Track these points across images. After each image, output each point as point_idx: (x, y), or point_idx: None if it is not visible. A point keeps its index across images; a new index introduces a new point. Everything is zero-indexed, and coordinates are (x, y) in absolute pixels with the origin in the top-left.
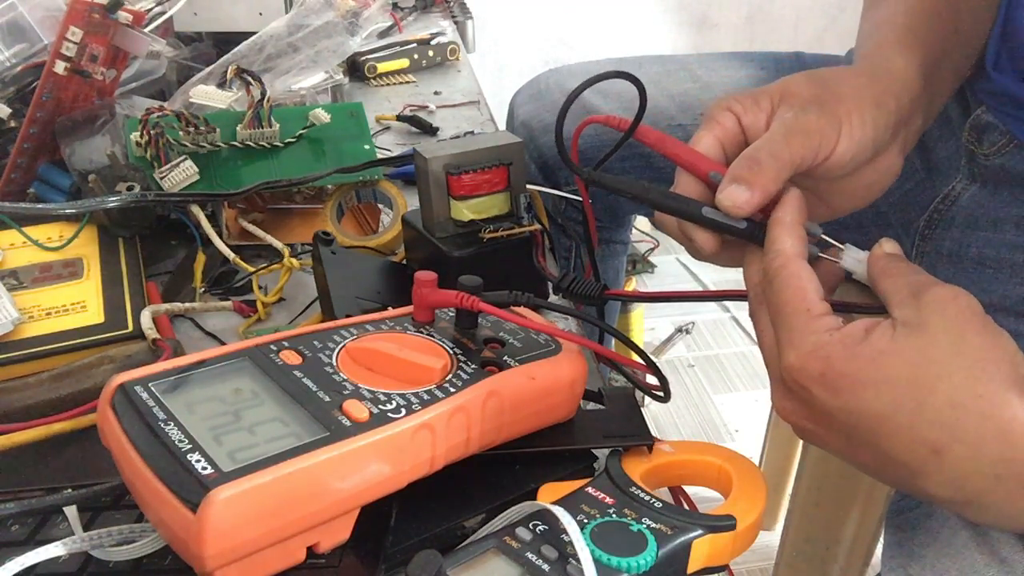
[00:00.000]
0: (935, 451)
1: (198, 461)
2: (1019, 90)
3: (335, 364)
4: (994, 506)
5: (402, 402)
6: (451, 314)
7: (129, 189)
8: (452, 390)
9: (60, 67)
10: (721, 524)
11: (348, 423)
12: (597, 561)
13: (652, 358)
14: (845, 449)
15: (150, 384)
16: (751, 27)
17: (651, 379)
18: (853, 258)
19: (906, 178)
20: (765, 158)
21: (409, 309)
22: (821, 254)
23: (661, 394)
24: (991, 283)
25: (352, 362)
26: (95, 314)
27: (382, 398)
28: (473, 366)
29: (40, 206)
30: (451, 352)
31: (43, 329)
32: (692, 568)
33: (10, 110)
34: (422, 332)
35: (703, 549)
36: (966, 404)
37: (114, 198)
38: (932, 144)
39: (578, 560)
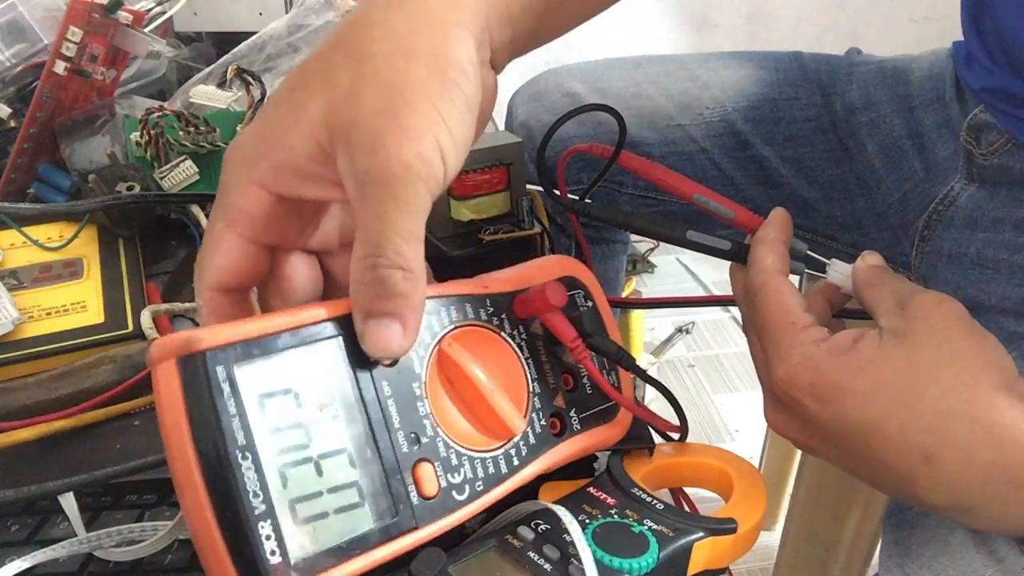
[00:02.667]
0: (926, 457)
1: (268, 538)
2: (1011, 85)
3: (424, 379)
4: (987, 510)
5: (470, 474)
6: None
7: (129, 189)
8: (516, 462)
9: (60, 67)
10: (722, 527)
11: (416, 500)
12: (598, 562)
13: (679, 403)
14: (838, 458)
15: (233, 361)
16: (751, 27)
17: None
18: (838, 272)
19: (905, 179)
20: (394, 277)
21: (515, 282)
22: (808, 270)
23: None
24: (990, 283)
25: (439, 373)
26: (95, 314)
27: (454, 461)
28: (543, 421)
29: (40, 206)
30: (529, 387)
31: (43, 329)
32: (692, 570)
33: (10, 110)
34: (514, 336)
35: (704, 552)
36: (955, 410)
37: (114, 198)
38: (931, 145)
39: (580, 560)
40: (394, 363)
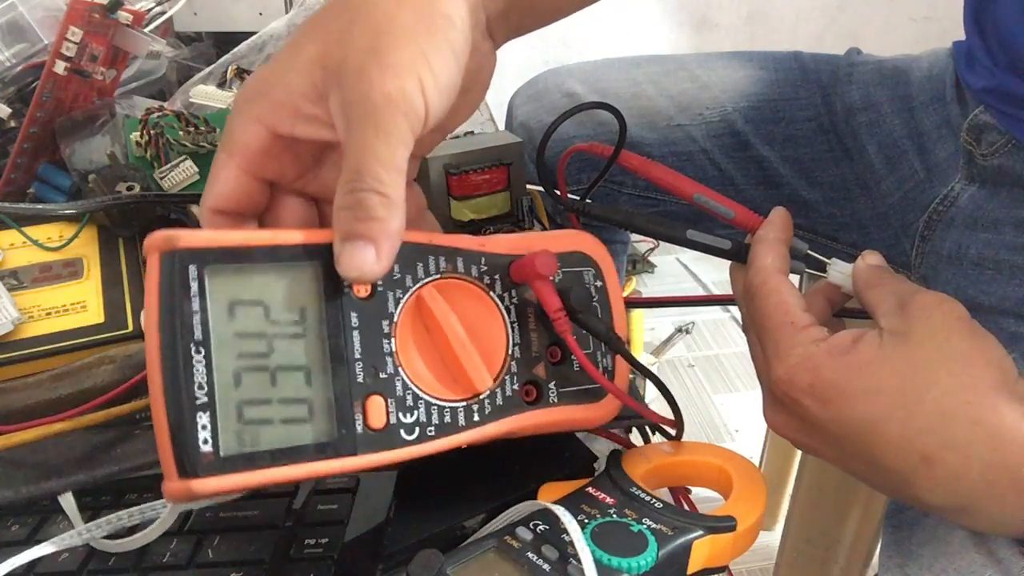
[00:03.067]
0: (925, 458)
1: (204, 428)
2: (1011, 85)
3: (396, 319)
4: (987, 512)
5: (423, 418)
6: None
7: (129, 189)
8: (477, 418)
9: (60, 67)
10: (721, 525)
11: (360, 429)
12: (597, 561)
13: (677, 403)
14: (838, 459)
15: (206, 268)
16: (751, 27)
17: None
18: (839, 271)
19: (905, 179)
20: (372, 199)
21: (515, 246)
22: (808, 269)
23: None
24: (991, 284)
25: (415, 318)
26: (95, 314)
27: (409, 402)
28: (515, 386)
29: (40, 206)
30: (509, 350)
31: (43, 329)
32: (692, 569)
33: (10, 110)
34: (503, 298)
35: (703, 550)
36: (955, 411)
37: (114, 198)
38: (931, 146)
39: (579, 560)
40: (371, 296)
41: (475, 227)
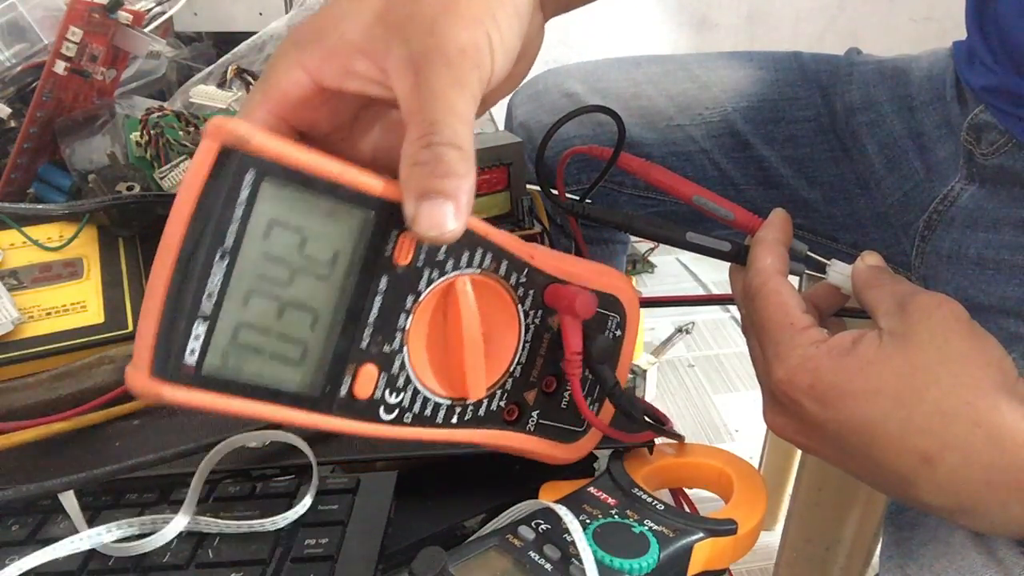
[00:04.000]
0: (926, 459)
1: (196, 338)
2: (1012, 84)
3: (422, 298)
4: (987, 512)
5: (406, 404)
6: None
7: (129, 189)
8: (455, 420)
9: (60, 67)
10: (722, 528)
11: (344, 393)
12: (599, 562)
13: (662, 424)
14: (838, 459)
15: (264, 180)
16: (751, 27)
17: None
18: (838, 272)
19: (905, 179)
20: (451, 154)
21: (560, 268)
22: (808, 271)
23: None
24: (990, 284)
25: (439, 303)
26: (95, 314)
27: (400, 383)
28: (501, 402)
29: (40, 206)
30: (511, 367)
31: (43, 329)
32: (692, 571)
33: (10, 110)
34: (528, 315)
35: (704, 552)
36: (955, 411)
37: (114, 198)
38: (931, 145)
39: (580, 561)
40: (408, 267)
41: None
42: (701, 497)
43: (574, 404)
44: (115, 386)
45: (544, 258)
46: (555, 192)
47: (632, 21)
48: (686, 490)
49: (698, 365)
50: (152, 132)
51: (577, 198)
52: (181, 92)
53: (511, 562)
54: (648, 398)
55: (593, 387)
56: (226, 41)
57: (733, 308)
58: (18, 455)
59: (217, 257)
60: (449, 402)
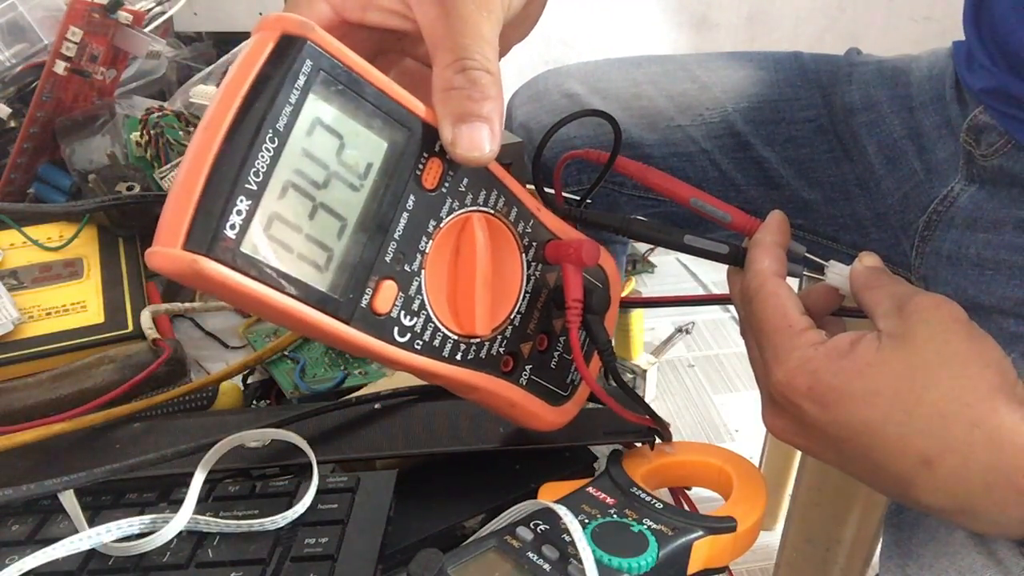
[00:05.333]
0: (925, 461)
1: (239, 213)
2: (1010, 86)
3: (442, 225)
4: (986, 514)
5: (419, 331)
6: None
7: (129, 189)
8: (459, 358)
9: (60, 67)
10: (722, 526)
11: (364, 304)
12: (598, 561)
13: (650, 407)
14: (837, 461)
15: (323, 69)
16: (751, 27)
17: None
18: (836, 274)
19: (905, 179)
20: (484, 78)
21: (557, 227)
22: (806, 272)
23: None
24: (990, 284)
25: (455, 237)
26: (95, 314)
27: (415, 306)
28: (501, 348)
29: (40, 206)
30: (512, 315)
31: (43, 329)
32: (692, 569)
33: (10, 110)
34: (531, 266)
35: (703, 550)
36: (954, 413)
37: (114, 198)
38: (931, 145)
39: (579, 560)
40: (434, 190)
41: None
42: (702, 497)
43: (562, 367)
44: (115, 386)
45: (547, 215)
46: (552, 195)
47: (632, 21)
48: (686, 489)
49: (698, 365)
50: (152, 132)
51: (576, 199)
52: (181, 92)
53: (509, 563)
54: (648, 398)
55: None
56: (226, 41)
57: (733, 308)
58: (18, 455)
59: (269, 135)
60: (456, 337)
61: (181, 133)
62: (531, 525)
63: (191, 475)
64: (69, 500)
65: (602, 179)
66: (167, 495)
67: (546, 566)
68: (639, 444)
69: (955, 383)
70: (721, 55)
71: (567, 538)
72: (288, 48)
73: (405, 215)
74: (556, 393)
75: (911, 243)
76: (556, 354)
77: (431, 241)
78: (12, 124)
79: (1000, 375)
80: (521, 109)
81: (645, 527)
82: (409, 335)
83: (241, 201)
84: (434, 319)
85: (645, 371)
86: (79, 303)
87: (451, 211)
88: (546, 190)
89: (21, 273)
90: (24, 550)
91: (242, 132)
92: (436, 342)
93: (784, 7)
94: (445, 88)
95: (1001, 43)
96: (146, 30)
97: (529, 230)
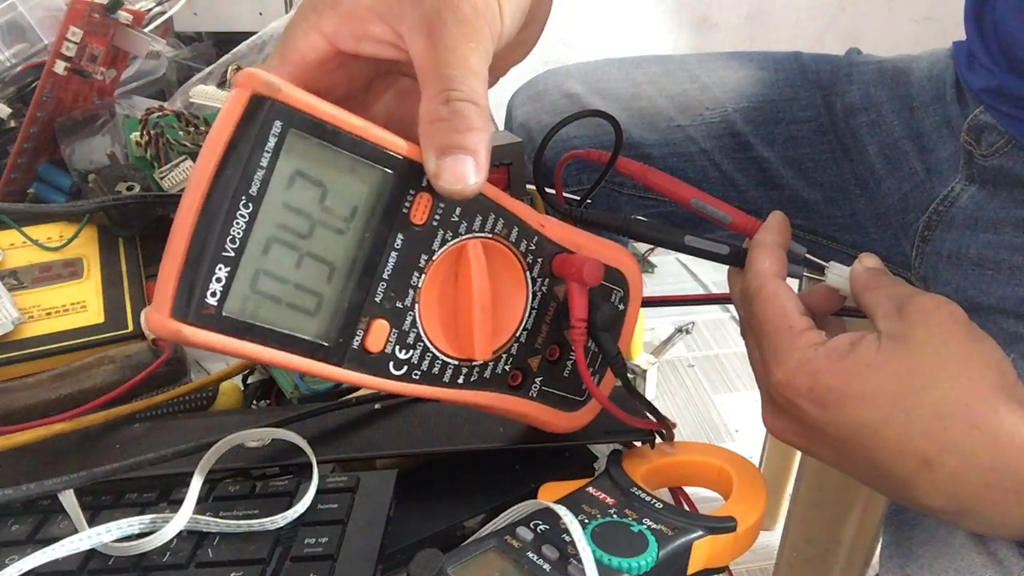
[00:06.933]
0: (925, 462)
1: (219, 280)
2: (1011, 86)
3: (435, 258)
4: (986, 514)
5: (415, 360)
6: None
7: (129, 189)
8: (461, 381)
9: (60, 67)
10: (722, 526)
11: (356, 345)
12: (598, 561)
13: (658, 411)
14: (837, 461)
15: (291, 130)
16: (751, 27)
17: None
18: (836, 274)
19: (905, 179)
20: (469, 109)
21: (568, 239)
22: (807, 273)
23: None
24: (990, 284)
25: (450, 265)
26: (95, 314)
27: (410, 339)
28: (506, 366)
29: (40, 206)
30: (517, 332)
31: (43, 329)
32: (692, 569)
33: (10, 110)
34: (535, 282)
35: (703, 550)
36: (954, 414)
37: (114, 198)
38: (931, 145)
39: (579, 560)
40: (422, 226)
41: None
42: (703, 497)
43: (576, 373)
44: (115, 386)
45: (554, 228)
46: (553, 196)
47: (632, 21)
48: (686, 489)
49: (698, 365)
50: (152, 132)
51: (577, 199)
52: (181, 92)
53: (509, 563)
54: (648, 398)
55: (595, 359)
56: (226, 41)
57: (733, 308)
58: (18, 455)
59: (242, 202)
60: (456, 362)
61: (181, 133)
62: (531, 525)
63: (191, 475)
64: (69, 500)
65: (603, 179)
66: (167, 495)
67: (546, 566)
68: (639, 444)
69: (955, 384)
70: (721, 55)
71: (567, 538)
72: (258, 110)
73: (394, 254)
74: (571, 400)
75: (911, 243)
76: (569, 363)
77: (424, 275)
78: (12, 124)
79: (1000, 376)
80: (521, 109)
81: (645, 527)
82: (406, 367)
83: (220, 268)
84: (432, 349)
85: (645, 371)
86: (79, 303)
87: (444, 242)
88: (547, 190)
89: (21, 273)
90: (24, 550)
91: (216, 201)
92: (435, 370)
93: (784, 7)
94: (430, 120)
95: (1002, 43)
96: (146, 30)
97: (533, 247)
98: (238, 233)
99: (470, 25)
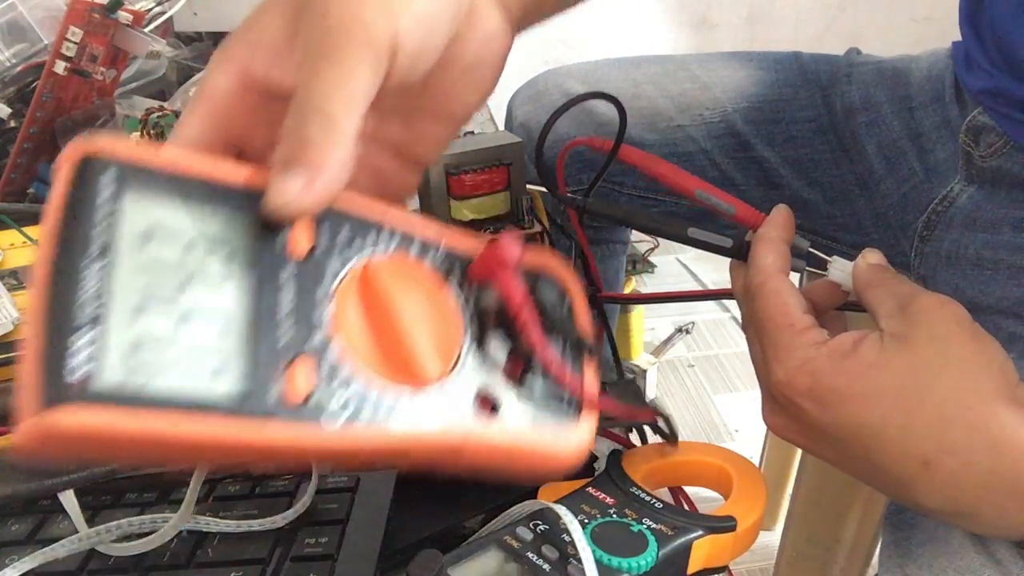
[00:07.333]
0: (925, 463)
1: (79, 351)
2: (1009, 87)
3: (335, 287)
4: (985, 516)
5: (356, 401)
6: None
7: None
8: (417, 415)
9: (60, 67)
10: (722, 525)
11: (275, 398)
12: (597, 561)
13: (661, 409)
14: (837, 460)
15: (126, 185)
16: (751, 27)
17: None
18: (839, 270)
19: (904, 179)
20: (310, 124)
21: (476, 247)
22: (809, 268)
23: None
24: (989, 284)
25: (360, 294)
26: None
27: (340, 377)
28: (467, 392)
29: (40, 206)
30: (464, 352)
31: None
32: (692, 569)
33: (10, 110)
34: (462, 293)
35: (703, 550)
36: (955, 416)
37: None
38: (930, 145)
39: (579, 560)
40: (306, 259)
41: (475, 227)
42: (703, 497)
43: (551, 383)
44: None
45: (454, 237)
46: (556, 189)
47: (632, 21)
48: (687, 488)
49: (698, 365)
50: (152, 132)
51: (580, 197)
52: (181, 92)
53: (509, 563)
54: (649, 397)
55: (569, 358)
56: None
57: (733, 308)
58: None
59: (85, 264)
60: (407, 392)
61: None
62: (531, 525)
63: (191, 475)
64: (69, 500)
65: (610, 163)
66: (167, 495)
67: (546, 566)
68: (640, 444)
69: (956, 385)
70: (721, 55)
71: (567, 538)
72: (87, 172)
73: (284, 293)
74: (558, 409)
75: (910, 243)
76: (540, 375)
77: (328, 307)
78: (12, 124)
79: (1002, 377)
80: (521, 109)
81: (645, 527)
82: (347, 409)
83: (82, 334)
84: (370, 383)
85: (645, 371)
86: None
87: (337, 271)
88: (549, 187)
89: (21, 273)
90: (24, 550)
91: (61, 269)
92: (384, 406)
93: (784, 7)
94: (279, 138)
95: (1000, 44)
96: (146, 30)
97: (441, 259)
98: (88, 298)
99: (333, 39)
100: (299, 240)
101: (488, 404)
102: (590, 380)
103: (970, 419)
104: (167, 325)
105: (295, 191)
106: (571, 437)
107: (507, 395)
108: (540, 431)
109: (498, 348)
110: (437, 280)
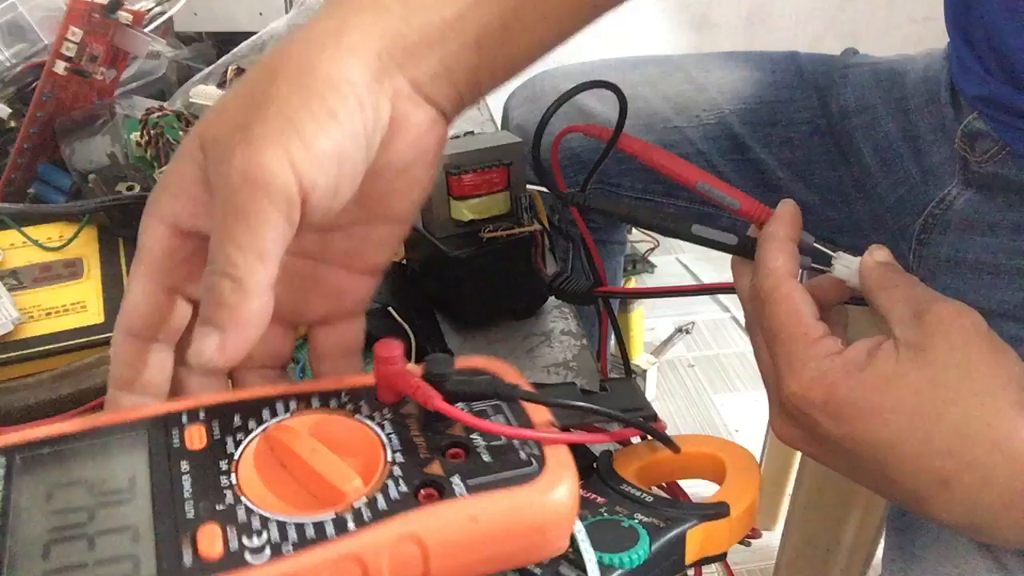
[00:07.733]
0: (943, 481)
1: None
2: (1004, 94)
3: (237, 457)
4: (1002, 531)
5: (276, 538)
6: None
7: (129, 189)
8: (352, 526)
9: (60, 67)
10: (715, 512)
11: (188, 562)
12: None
13: (656, 413)
14: (848, 472)
15: (16, 458)
16: (751, 27)
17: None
18: (844, 266)
19: (900, 182)
20: (222, 285)
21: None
22: (814, 264)
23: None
24: (989, 288)
25: (266, 455)
26: (95, 314)
27: (256, 524)
28: (405, 488)
29: (40, 206)
30: (389, 459)
31: (43, 329)
32: (691, 558)
33: (10, 110)
34: (375, 418)
35: (699, 538)
36: (976, 434)
37: (114, 198)
38: (926, 149)
39: (570, 562)
40: (205, 447)
41: (475, 227)
42: (701, 491)
43: (505, 449)
44: None
45: (356, 378)
46: (555, 187)
47: (632, 21)
48: (685, 482)
49: (698, 365)
50: (152, 132)
51: (578, 193)
52: (181, 92)
53: None
54: (648, 398)
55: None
56: (226, 41)
57: (734, 308)
58: None
59: None
60: (333, 514)
61: (181, 133)
62: None
63: None
64: None
65: (608, 153)
66: None
67: (536, 570)
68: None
69: (976, 401)
70: (718, 55)
71: None
72: None
73: (186, 478)
74: (520, 468)
75: (908, 246)
76: (478, 449)
77: (234, 474)
78: (12, 124)
79: (1021, 390)
80: (517, 111)
81: (636, 521)
82: (268, 549)
83: None
84: (290, 520)
85: (645, 371)
86: (79, 303)
87: (238, 443)
88: (549, 182)
89: (21, 273)
90: None
91: None
92: (310, 533)
93: (784, 7)
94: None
95: (994, 49)
96: (146, 30)
97: (344, 398)
98: None
99: (239, 196)
100: (196, 436)
101: (432, 493)
102: (541, 422)
103: (991, 436)
104: (80, 553)
105: (210, 350)
106: (535, 495)
107: (448, 477)
108: (498, 496)
109: (427, 445)
110: (344, 416)
